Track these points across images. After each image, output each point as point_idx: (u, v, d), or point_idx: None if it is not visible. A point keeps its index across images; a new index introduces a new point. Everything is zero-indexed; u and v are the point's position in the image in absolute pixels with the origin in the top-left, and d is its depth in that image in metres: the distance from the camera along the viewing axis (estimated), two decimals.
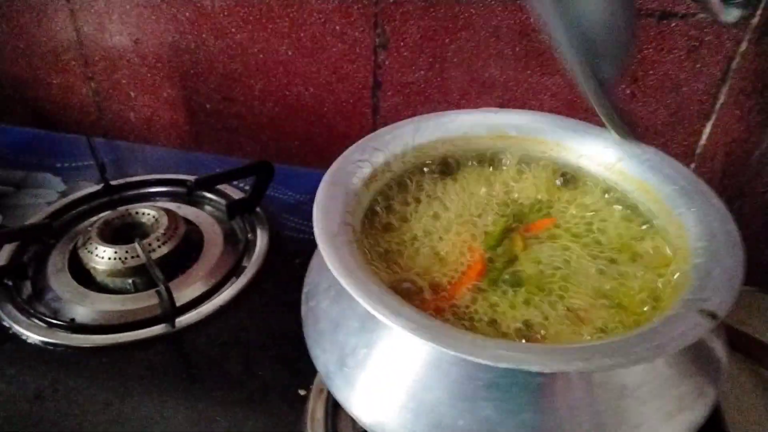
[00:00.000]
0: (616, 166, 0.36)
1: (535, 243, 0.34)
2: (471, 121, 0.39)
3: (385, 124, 0.77)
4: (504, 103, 0.72)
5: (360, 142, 0.37)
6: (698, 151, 0.70)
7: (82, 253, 0.53)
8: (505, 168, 0.39)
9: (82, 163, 0.68)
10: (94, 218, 0.58)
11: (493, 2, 0.66)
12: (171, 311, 0.47)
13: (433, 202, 0.37)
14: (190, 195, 0.61)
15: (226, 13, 0.74)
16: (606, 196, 0.37)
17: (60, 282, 0.52)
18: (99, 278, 0.53)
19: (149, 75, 0.82)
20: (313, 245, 0.56)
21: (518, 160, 0.39)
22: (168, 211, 0.56)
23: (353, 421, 0.42)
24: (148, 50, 0.80)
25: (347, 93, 0.76)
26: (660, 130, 0.69)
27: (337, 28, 0.71)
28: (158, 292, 0.48)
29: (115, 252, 0.51)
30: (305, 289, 0.35)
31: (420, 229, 0.35)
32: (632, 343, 0.24)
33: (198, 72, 0.80)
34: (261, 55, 0.76)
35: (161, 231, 0.53)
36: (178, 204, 0.61)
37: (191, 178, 0.60)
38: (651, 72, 0.66)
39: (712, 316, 0.25)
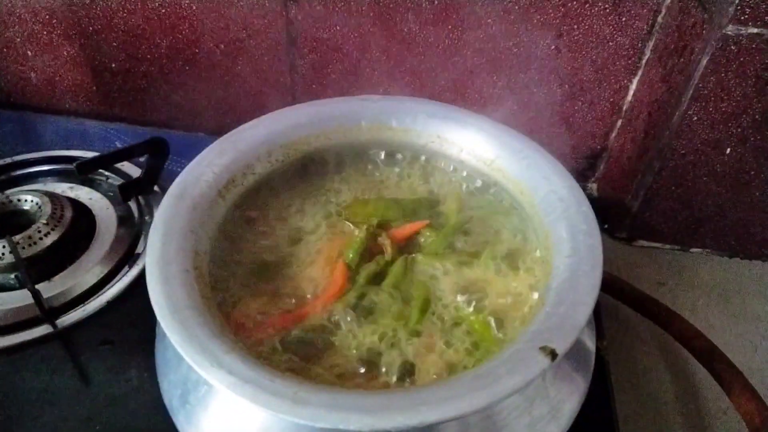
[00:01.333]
0: (495, 163, 0.34)
1: (407, 251, 0.32)
2: (349, 110, 0.36)
3: (305, 82, 0.73)
4: (425, 60, 0.68)
5: (216, 143, 0.33)
6: (625, 107, 0.67)
7: None
8: (382, 164, 0.36)
9: None
10: None
11: None
12: (43, 314, 0.44)
13: (302, 206, 0.34)
14: (72, 175, 0.57)
15: None
16: (488, 193, 0.34)
17: None
18: None
19: (45, 33, 0.75)
20: None
21: (398, 154, 0.36)
22: (52, 196, 0.52)
23: None
24: (39, 6, 0.73)
25: (261, 50, 0.71)
26: (586, 86, 0.66)
27: None
28: (44, 287, 0.45)
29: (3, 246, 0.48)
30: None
31: (283, 238, 0.32)
32: (466, 390, 0.22)
33: (96, 28, 0.73)
34: (163, 10, 0.70)
35: (43, 220, 0.50)
36: (70, 184, 0.56)
37: (84, 154, 0.56)
38: (576, 26, 0.62)
39: (552, 354, 0.23)
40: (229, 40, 0.71)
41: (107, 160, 0.53)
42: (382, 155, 0.36)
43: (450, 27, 0.65)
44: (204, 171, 0.31)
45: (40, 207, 0.51)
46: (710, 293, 0.63)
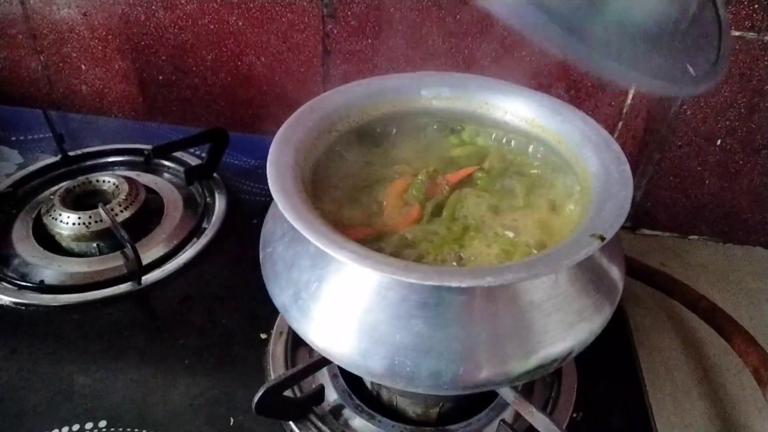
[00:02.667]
0: (535, 121, 0.41)
1: (464, 188, 0.39)
2: (411, 82, 0.43)
3: None
4: (446, 70, 0.76)
5: (308, 104, 0.41)
6: (625, 110, 0.76)
7: (47, 220, 0.55)
8: (438, 126, 0.43)
9: (37, 135, 0.69)
10: (55, 188, 0.59)
11: None
12: (138, 269, 0.50)
13: (372, 158, 0.41)
14: (148, 163, 0.63)
15: None
16: (530, 148, 0.42)
17: (26, 248, 0.54)
18: (64, 243, 0.55)
19: (100, 47, 0.83)
20: (267, 206, 0.60)
21: (452, 118, 0.43)
22: (128, 178, 0.58)
23: (309, 356, 0.47)
24: (98, 23, 0.81)
25: (298, 62, 0.79)
26: (591, 91, 0.75)
27: None
28: (123, 253, 0.51)
29: (79, 217, 0.54)
30: (262, 239, 0.39)
31: (362, 180, 0.39)
32: (534, 263, 0.29)
33: (149, 44, 0.81)
34: (212, 26, 0.78)
35: (122, 197, 0.56)
36: (137, 172, 0.63)
37: (149, 146, 0.62)
38: None
39: (601, 238, 0.30)
40: (270, 53, 0.79)
41: (179, 145, 0.60)
42: (438, 119, 0.43)
43: (469, 39, 0.74)
44: (303, 121, 0.38)
45: (117, 187, 0.58)
46: (708, 273, 0.70)
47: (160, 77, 0.84)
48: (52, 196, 0.56)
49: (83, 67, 0.86)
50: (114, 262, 0.53)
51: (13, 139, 0.68)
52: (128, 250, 0.50)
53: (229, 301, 0.51)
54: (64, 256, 0.54)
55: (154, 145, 0.60)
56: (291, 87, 0.82)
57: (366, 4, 0.72)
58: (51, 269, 0.53)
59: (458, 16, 0.72)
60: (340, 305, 0.32)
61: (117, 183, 0.58)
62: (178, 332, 0.49)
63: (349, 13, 0.73)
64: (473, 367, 0.31)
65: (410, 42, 0.75)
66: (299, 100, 0.83)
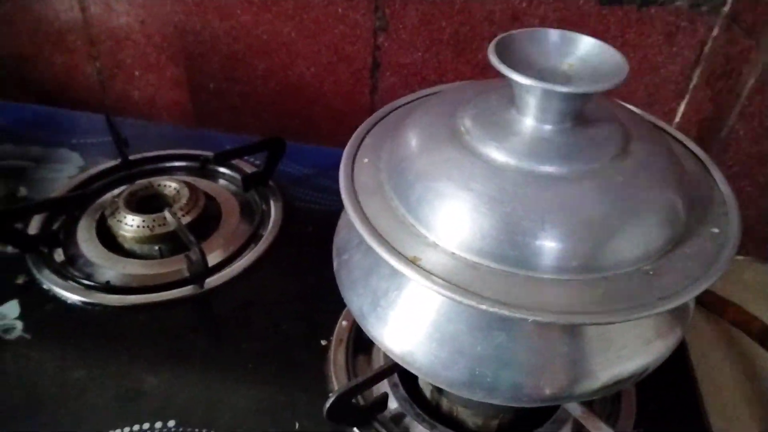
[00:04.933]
0: None
1: None
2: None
3: (383, 103, 0.82)
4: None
5: (381, 110, 0.42)
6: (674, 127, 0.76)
7: (111, 222, 0.56)
8: None
9: (97, 139, 0.71)
10: (117, 190, 0.61)
11: None
12: (203, 271, 0.51)
13: None
14: (205, 169, 0.65)
15: None
16: None
17: (90, 249, 0.56)
18: (127, 245, 0.57)
19: (154, 55, 0.85)
20: (322, 214, 0.62)
21: None
22: (188, 184, 0.60)
23: (368, 365, 0.48)
24: (154, 30, 0.83)
25: (347, 73, 0.80)
26: (639, 108, 0.75)
27: (339, 11, 0.75)
28: (187, 256, 0.53)
29: (143, 220, 0.55)
30: (336, 246, 0.40)
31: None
32: (634, 307, 0.29)
33: (202, 52, 0.83)
34: (265, 37, 0.80)
35: (183, 202, 0.58)
36: (193, 178, 0.64)
37: (207, 153, 0.64)
38: (632, 55, 0.71)
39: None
40: (320, 64, 0.81)
41: (239, 152, 0.61)
42: None
43: None
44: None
45: (178, 192, 0.59)
46: (755, 293, 0.70)
47: (211, 85, 0.86)
48: (116, 199, 0.58)
49: (137, 73, 0.88)
50: (175, 265, 0.54)
51: (74, 142, 0.71)
52: (194, 254, 0.51)
53: (289, 308, 0.52)
54: (126, 257, 0.56)
55: (209, 151, 0.61)
56: (339, 98, 0.83)
57: (418, 18, 0.74)
58: (115, 270, 0.54)
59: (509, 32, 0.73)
60: (420, 314, 0.33)
61: (178, 188, 0.59)
62: (240, 337, 0.50)
63: (401, 26, 0.75)
64: (553, 381, 0.32)
65: (461, 56, 0.76)
66: (346, 112, 0.85)
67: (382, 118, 0.42)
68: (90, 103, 0.92)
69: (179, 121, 0.91)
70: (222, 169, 0.67)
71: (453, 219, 0.31)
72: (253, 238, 0.58)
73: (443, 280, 0.29)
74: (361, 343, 0.49)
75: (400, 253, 0.31)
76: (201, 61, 0.84)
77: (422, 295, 0.33)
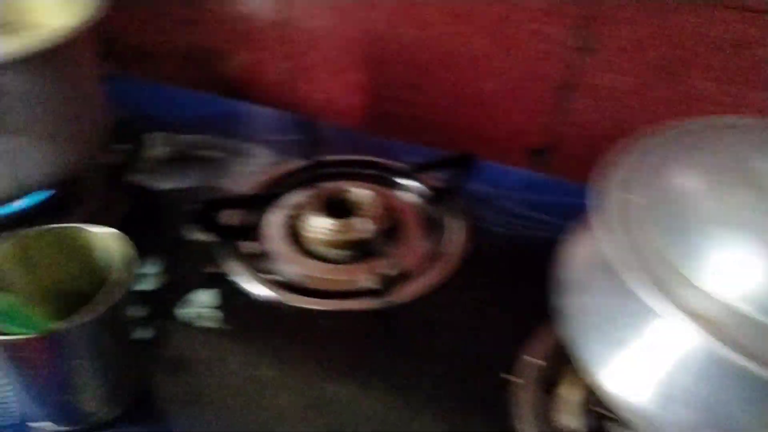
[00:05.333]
0: None
1: None
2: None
3: (570, 125, 0.77)
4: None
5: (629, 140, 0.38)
6: None
7: (298, 222, 0.57)
8: None
9: (286, 137, 0.73)
10: (307, 191, 0.62)
11: (709, 11, 0.64)
12: (391, 285, 0.50)
13: None
14: (391, 179, 0.64)
15: (432, 6, 0.76)
16: None
17: (278, 246, 0.57)
18: (312, 247, 0.57)
19: (341, 58, 0.87)
20: (508, 239, 0.58)
21: None
22: (378, 193, 0.59)
23: (561, 408, 0.43)
24: (345, 35, 0.84)
25: (536, 93, 0.76)
26: None
27: (540, 28, 0.72)
28: (371, 266, 0.51)
29: (333, 224, 0.55)
30: (563, 279, 0.36)
31: None
32: None
33: (388, 60, 0.83)
34: (455, 50, 0.78)
35: (373, 211, 0.57)
36: (380, 186, 0.63)
37: (398, 163, 0.63)
38: None
39: None
40: (509, 80, 0.77)
41: (434, 166, 0.60)
42: None
43: (739, 86, 0.66)
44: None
45: (368, 200, 0.58)
46: None
47: (391, 92, 0.86)
48: (304, 200, 0.58)
49: (322, 75, 0.90)
50: (357, 273, 0.53)
51: (264, 138, 0.73)
52: (386, 265, 0.50)
53: (471, 334, 0.49)
54: (311, 258, 0.56)
55: (385, 158, 0.60)
56: (522, 117, 0.79)
57: (627, 42, 0.68)
58: (299, 270, 0.54)
59: (728, 61, 0.65)
60: (675, 376, 0.28)
61: (368, 196, 0.59)
62: (422, 358, 0.48)
63: (607, 47, 0.69)
64: None
65: (669, 84, 0.69)
66: (527, 131, 0.81)
67: (631, 148, 0.38)
68: (273, 101, 0.96)
69: (355, 123, 0.92)
70: (405, 181, 0.65)
71: (743, 270, 0.27)
72: (439, 256, 0.56)
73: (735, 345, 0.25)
74: (550, 383, 0.45)
75: (674, 305, 0.27)
76: (386, 68, 0.84)
77: (678, 352, 0.29)
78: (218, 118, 0.78)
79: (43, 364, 0.36)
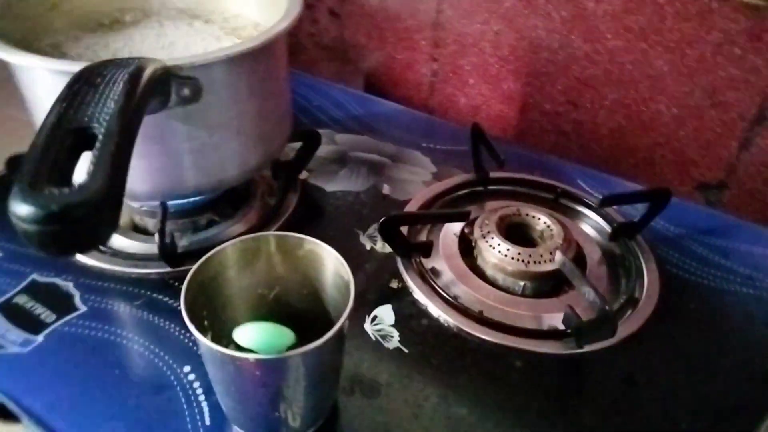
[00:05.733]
0: None
1: None
2: None
3: (753, 162, 0.70)
4: None
5: None
6: None
7: (477, 244, 0.54)
8: None
9: (446, 146, 0.70)
10: (482, 209, 0.58)
11: None
12: (582, 329, 0.46)
13: None
14: (556, 201, 0.60)
15: (608, 18, 0.71)
16: None
17: (453, 266, 0.54)
18: (488, 270, 0.54)
19: (496, 66, 0.83)
20: (704, 290, 0.53)
21: None
22: (559, 221, 0.55)
23: None
24: (506, 42, 0.80)
25: (717, 122, 0.70)
26: None
27: (737, 51, 0.65)
28: (571, 308, 0.48)
29: (519, 253, 0.52)
30: None
31: None
32: None
33: (549, 72, 0.79)
34: (629, 66, 0.73)
35: (557, 241, 0.53)
36: (556, 213, 0.59)
37: (575, 190, 0.59)
38: None
39: None
40: (687, 106, 0.71)
41: (625, 199, 0.55)
42: None
43: None
44: None
45: (549, 228, 0.54)
46: None
47: (547, 106, 0.82)
48: (487, 222, 0.55)
49: (471, 81, 0.86)
50: (540, 310, 0.50)
51: (424, 145, 0.70)
52: (572, 304, 0.46)
53: (678, 395, 0.45)
54: (487, 284, 0.53)
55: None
56: (695, 146, 0.73)
57: None
58: (477, 296, 0.51)
59: None
60: None
61: (549, 223, 0.55)
62: (624, 417, 0.43)
63: None
64: None
65: None
66: (698, 162, 0.74)
67: None
68: (412, 101, 0.93)
69: (496, 133, 0.88)
70: (582, 209, 0.61)
71: None
72: (630, 302, 0.51)
73: None
74: None
75: None
76: (545, 80, 0.80)
77: None
78: (372, 119, 0.75)
79: (272, 382, 0.35)
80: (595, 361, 0.47)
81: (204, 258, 0.38)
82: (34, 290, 0.50)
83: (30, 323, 0.47)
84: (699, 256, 0.57)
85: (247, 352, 0.36)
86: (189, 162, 0.49)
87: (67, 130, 0.27)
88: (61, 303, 0.49)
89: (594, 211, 0.60)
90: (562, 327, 0.49)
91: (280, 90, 0.53)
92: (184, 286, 0.36)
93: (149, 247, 0.54)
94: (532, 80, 0.81)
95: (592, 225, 0.60)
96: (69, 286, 0.50)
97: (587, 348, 0.47)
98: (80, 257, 0.52)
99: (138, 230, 0.57)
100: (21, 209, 0.24)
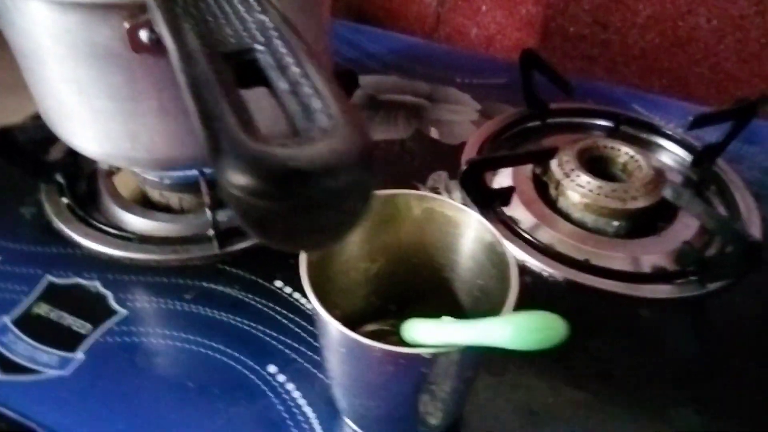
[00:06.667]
0: None
1: None
2: None
3: None
4: None
5: None
6: None
7: (565, 182, 0.47)
8: None
9: (484, 80, 0.63)
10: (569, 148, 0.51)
11: None
12: (695, 268, 0.41)
13: None
14: (617, 130, 0.55)
15: None
16: None
17: (536, 211, 0.48)
18: (573, 211, 0.48)
19: None
20: None
21: None
22: (647, 157, 0.49)
23: None
24: None
25: (762, 31, 0.65)
26: None
27: None
28: (688, 244, 0.43)
29: (614, 189, 0.46)
30: None
31: None
32: None
33: None
34: None
35: (648, 172, 0.47)
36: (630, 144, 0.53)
37: (642, 116, 0.53)
38: None
39: None
40: (727, 16, 0.66)
41: (715, 118, 0.50)
42: None
43: None
44: None
45: (634, 160, 0.49)
46: None
47: (572, 29, 0.75)
48: (567, 158, 0.48)
49: (483, 8, 0.78)
50: (639, 251, 0.45)
51: (459, 81, 0.62)
52: (672, 242, 0.41)
53: None
54: (573, 226, 0.47)
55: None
56: (736, 59, 0.68)
57: None
58: (576, 243, 0.45)
59: None
60: None
61: (633, 154, 0.49)
62: (747, 360, 0.39)
63: None
64: None
65: None
66: (740, 78, 0.70)
67: None
68: (418, 33, 0.84)
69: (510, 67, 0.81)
70: (654, 137, 0.56)
71: None
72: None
73: None
74: None
75: None
76: (570, 1, 0.72)
77: None
78: (398, 57, 0.66)
79: (424, 378, 0.28)
80: (727, 301, 0.42)
81: None
82: (55, 295, 0.40)
83: (62, 338, 0.37)
84: None
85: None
86: None
87: (224, 55, 0.18)
88: (93, 308, 0.39)
89: (665, 138, 0.55)
90: (670, 268, 0.44)
91: (322, 36, 0.43)
92: (302, 261, 0.28)
93: (180, 228, 0.45)
94: (556, 2, 0.73)
95: (664, 152, 0.55)
96: (96, 285, 0.40)
97: (710, 287, 0.42)
98: (101, 246, 0.42)
99: (159, 209, 0.47)
100: (257, 177, 0.15)
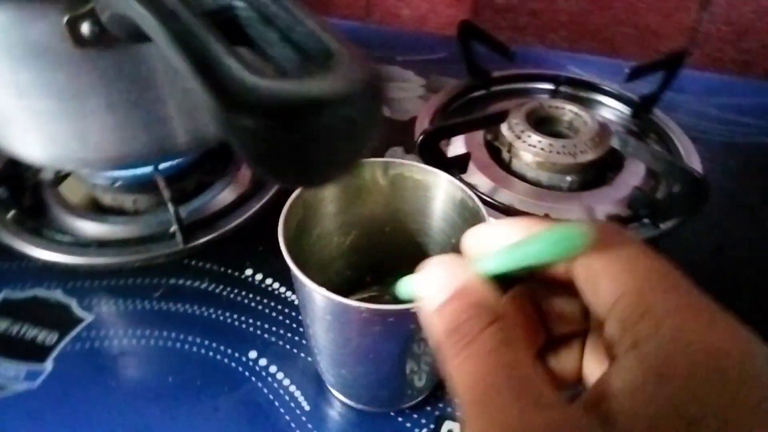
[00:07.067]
0: None
1: None
2: None
3: (713, 25, 0.71)
4: None
5: None
6: None
7: (517, 144, 0.49)
8: None
9: (425, 56, 0.64)
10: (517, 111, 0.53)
11: None
12: (649, 211, 0.43)
13: None
14: (558, 91, 0.57)
15: None
16: None
17: (491, 176, 0.49)
18: (528, 171, 0.49)
19: None
20: (730, 147, 0.52)
21: None
22: (590, 113, 0.51)
23: None
24: None
25: None
26: None
27: None
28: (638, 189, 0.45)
29: (564, 146, 0.48)
30: None
31: None
32: None
33: None
34: None
35: (593, 127, 0.49)
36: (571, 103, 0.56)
37: (577, 75, 0.55)
38: None
39: None
40: None
41: (649, 69, 0.53)
42: None
43: None
44: None
45: (579, 117, 0.51)
46: None
47: (500, 1, 0.77)
48: (515, 120, 0.50)
49: None
50: (590, 202, 0.47)
51: (400, 59, 0.63)
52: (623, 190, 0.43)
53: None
54: (533, 186, 0.48)
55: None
56: (655, 15, 0.72)
57: None
58: (537, 201, 0.47)
59: None
60: None
61: (577, 111, 0.51)
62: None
63: None
64: None
65: None
66: (660, 33, 0.74)
67: None
68: (350, 19, 0.84)
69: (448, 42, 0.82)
70: (584, 94, 0.58)
71: None
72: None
73: None
74: None
75: None
76: None
77: None
78: None
79: (413, 337, 0.28)
80: (679, 239, 0.45)
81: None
82: (13, 310, 0.38)
83: (28, 351, 0.36)
84: (708, 115, 0.56)
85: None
86: (175, 109, 0.38)
87: (201, 15, 0.17)
88: (57, 317, 0.37)
89: (604, 94, 0.57)
90: (624, 214, 0.46)
91: None
92: (280, 228, 0.28)
93: (138, 228, 0.44)
94: None
95: (604, 108, 0.57)
96: (57, 294, 0.39)
97: (663, 227, 0.45)
98: (57, 255, 0.41)
99: (113, 213, 0.45)
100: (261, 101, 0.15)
